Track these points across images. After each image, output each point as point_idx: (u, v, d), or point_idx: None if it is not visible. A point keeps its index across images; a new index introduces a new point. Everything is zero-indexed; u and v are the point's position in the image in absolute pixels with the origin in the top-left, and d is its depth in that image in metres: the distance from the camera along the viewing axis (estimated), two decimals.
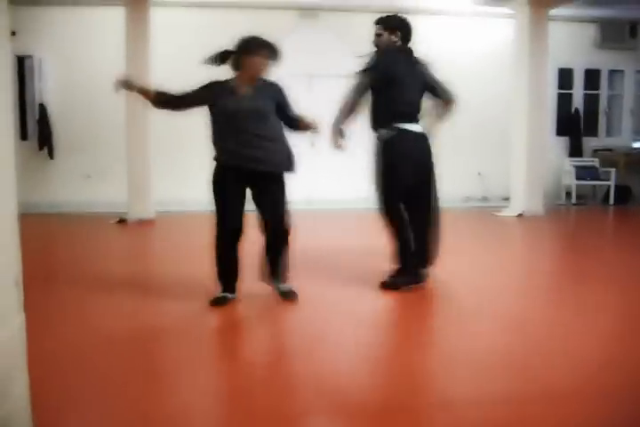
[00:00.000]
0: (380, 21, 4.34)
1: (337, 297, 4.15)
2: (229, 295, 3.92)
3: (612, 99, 11.10)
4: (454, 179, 10.11)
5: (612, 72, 10.96)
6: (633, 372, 2.77)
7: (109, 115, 9.06)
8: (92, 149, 9.41)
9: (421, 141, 4.26)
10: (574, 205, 10.08)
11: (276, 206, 3.87)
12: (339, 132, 4.14)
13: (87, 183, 9.32)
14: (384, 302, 4.15)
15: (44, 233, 7.00)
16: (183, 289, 4.29)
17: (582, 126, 10.81)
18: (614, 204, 10.14)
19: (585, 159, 10.57)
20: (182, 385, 2.62)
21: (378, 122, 4.23)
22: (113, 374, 2.76)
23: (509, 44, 9.26)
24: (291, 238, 3.96)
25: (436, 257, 4.29)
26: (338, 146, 4.15)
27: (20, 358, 1.93)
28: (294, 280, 4.08)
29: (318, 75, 9.52)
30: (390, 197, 4.20)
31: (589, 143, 10.85)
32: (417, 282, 4.23)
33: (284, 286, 4.03)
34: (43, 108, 9.32)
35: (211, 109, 3.95)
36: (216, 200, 3.87)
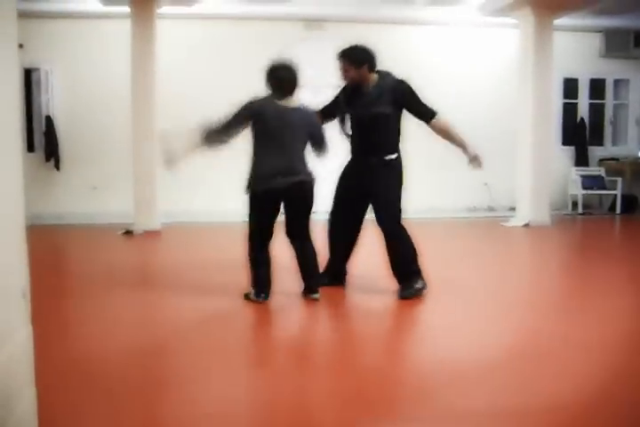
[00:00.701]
0: (342, 55, 4.32)
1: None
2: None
3: (617, 108, 11.09)
4: (460, 189, 10.13)
5: (618, 81, 10.95)
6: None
7: (115, 126, 9.11)
8: (99, 160, 9.44)
9: None
10: (581, 214, 10.04)
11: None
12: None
13: (93, 195, 9.35)
14: (384, 309, 4.14)
15: (50, 245, 7.01)
16: (195, 298, 4.28)
17: (588, 136, 10.79)
18: (621, 213, 10.10)
19: (591, 169, 10.54)
20: (198, 395, 2.60)
21: (396, 146, 4.36)
22: (123, 386, 2.74)
23: (514, 54, 9.27)
24: None
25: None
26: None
27: (27, 370, 1.92)
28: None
29: (324, 86, 9.53)
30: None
31: (595, 153, 10.83)
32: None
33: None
34: (49, 121, 9.36)
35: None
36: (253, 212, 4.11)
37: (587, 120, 10.84)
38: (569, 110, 10.85)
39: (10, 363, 1.74)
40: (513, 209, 9.29)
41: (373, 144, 4.33)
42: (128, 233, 7.83)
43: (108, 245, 7.15)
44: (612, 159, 10.69)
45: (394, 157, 4.32)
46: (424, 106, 4.30)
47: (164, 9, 8.30)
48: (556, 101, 10.38)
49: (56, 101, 9.49)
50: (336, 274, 4.64)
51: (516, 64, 9.20)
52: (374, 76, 4.28)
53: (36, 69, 9.37)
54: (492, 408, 2.50)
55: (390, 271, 4.41)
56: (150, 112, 8.19)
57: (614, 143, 11.10)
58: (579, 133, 10.75)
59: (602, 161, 10.71)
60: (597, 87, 10.90)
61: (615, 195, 10.23)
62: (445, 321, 3.85)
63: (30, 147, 9.51)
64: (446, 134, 4.32)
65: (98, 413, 2.45)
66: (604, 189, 10.26)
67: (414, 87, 4.29)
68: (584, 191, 10.14)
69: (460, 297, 4.40)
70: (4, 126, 1.81)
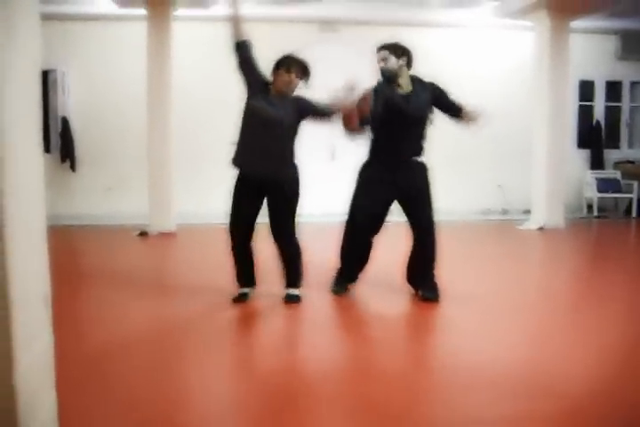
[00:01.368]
0: (384, 47, 4.30)
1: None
2: (247, 290, 4.28)
3: (633, 110, 11.01)
4: (474, 191, 10.11)
5: (634, 84, 10.88)
6: None
7: (131, 127, 9.16)
8: (114, 161, 9.50)
9: None
10: (596, 217, 9.98)
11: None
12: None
13: (109, 196, 9.41)
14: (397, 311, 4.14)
15: (65, 246, 7.06)
16: (208, 302, 4.30)
17: (604, 138, 10.74)
18: (637, 216, 10.03)
19: (606, 171, 10.48)
20: (212, 390, 2.62)
21: (424, 149, 4.40)
22: (141, 383, 2.76)
23: (530, 56, 9.24)
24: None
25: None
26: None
27: (48, 375, 1.94)
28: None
29: (337, 88, 9.53)
30: None
31: (611, 155, 10.77)
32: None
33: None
34: (65, 122, 9.43)
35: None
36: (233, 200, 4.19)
37: (602, 123, 10.78)
38: (585, 113, 10.79)
39: (32, 369, 1.76)
40: (527, 212, 9.25)
41: (414, 145, 4.34)
42: (143, 234, 7.87)
43: (123, 247, 7.19)
44: (628, 162, 10.62)
45: (423, 158, 4.40)
46: (454, 103, 4.42)
47: (180, 11, 8.33)
48: (572, 104, 10.33)
49: (72, 103, 9.55)
50: (350, 281, 4.61)
51: (530, 66, 9.16)
52: (408, 77, 4.31)
53: (53, 71, 9.43)
54: (506, 415, 2.50)
55: (407, 273, 4.49)
56: (166, 114, 8.23)
57: (630, 146, 11.02)
58: (594, 136, 10.69)
59: (617, 164, 10.64)
60: (613, 89, 10.83)
61: (631, 198, 10.16)
62: (460, 327, 3.85)
63: (46, 148, 9.56)
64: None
65: (110, 413, 2.47)
66: (620, 192, 10.20)
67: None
68: (599, 194, 10.08)
69: (474, 303, 4.38)
70: (26, 129, 1.83)
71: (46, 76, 9.48)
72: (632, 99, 10.94)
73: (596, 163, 10.61)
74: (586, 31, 9.91)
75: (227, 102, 9.67)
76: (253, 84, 4.14)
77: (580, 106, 10.74)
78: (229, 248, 4.23)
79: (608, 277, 5.45)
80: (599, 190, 10.09)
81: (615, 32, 10.38)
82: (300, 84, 4.16)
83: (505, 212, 10.23)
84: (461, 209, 9.89)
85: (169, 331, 3.72)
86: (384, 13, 9.53)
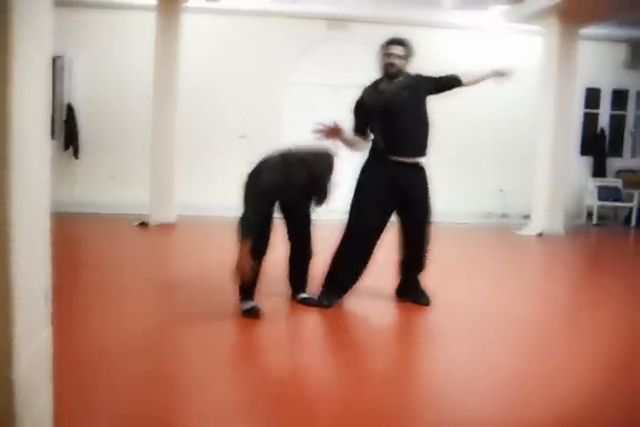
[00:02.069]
0: (402, 43, 4.23)
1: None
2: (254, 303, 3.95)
3: (638, 120, 11.01)
4: (475, 195, 10.13)
5: None
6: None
7: (136, 116, 9.18)
8: (117, 150, 9.51)
9: None
10: (595, 225, 10.00)
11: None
12: None
13: (111, 184, 9.42)
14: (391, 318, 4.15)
15: (66, 234, 7.06)
16: (205, 297, 4.31)
17: (607, 146, 10.75)
18: (636, 225, 10.05)
19: (608, 180, 10.49)
20: (210, 395, 2.63)
21: (427, 149, 4.29)
22: (138, 382, 2.78)
23: (537, 61, 9.23)
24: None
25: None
26: None
27: (46, 370, 1.95)
28: None
29: (345, 85, 9.55)
30: None
31: (614, 164, 10.78)
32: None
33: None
34: (70, 109, 9.43)
35: None
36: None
37: (607, 131, 10.79)
38: (589, 120, 10.80)
39: (31, 364, 1.77)
40: (527, 217, 9.26)
41: (414, 143, 4.20)
42: (143, 225, 7.88)
43: (121, 237, 7.20)
44: (630, 171, 10.63)
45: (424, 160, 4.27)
46: (445, 77, 4.35)
47: (191, 2, 8.32)
48: (577, 111, 10.33)
49: (77, 90, 9.56)
50: (341, 293, 4.35)
51: (537, 71, 9.16)
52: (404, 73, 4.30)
53: (60, 57, 9.43)
54: (497, 421, 2.52)
55: (399, 284, 4.48)
56: (171, 104, 8.22)
57: (633, 155, 11.04)
58: (598, 144, 10.71)
59: (620, 172, 10.66)
60: (620, 98, 10.84)
61: (631, 207, 10.17)
62: (449, 334, 3.86)
63: (50, 134, 9.59)
64: (475, 81, 4.50)
65: (108, 409, 2.49)
66: (621, 200, 10.21)
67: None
68: (600, 202, 10.10)
69: (465, 310, 4.39)
70: (35, 118, 1.83)
71: (53, 63, 9.48)
72: (638, 107, 10.94)
73: (599, 171, 10.63)
74: (595, 39, 9.92)
75: (232, 95, 9.73)
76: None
77: (585, 113, 10.75)
78: (244, 259, 3.61)
79: (603, 287, 5.46)
80: (600, 198, 10.10)
81: (624, 40, 10.39)
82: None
83: (505, 216, 10.25)
84: (462, 212, 9.90)
85: (165, 331, 3.74)
86: (393, 13, 9.52)
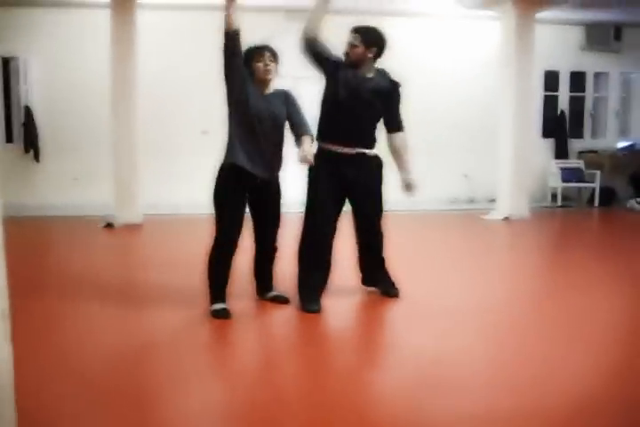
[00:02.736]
0: (358, 31, 4.10)
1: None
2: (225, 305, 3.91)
3: (597, 101, 11.19)
4: (440, 180, 10.18)
5: (598, 74, 11.05)
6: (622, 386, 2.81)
7: (96, 116, 9.04)
8: (79, 151, 9.38)
9: None
10: (560, 207, 10.15)
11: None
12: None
13: (74, 186, 9.29)
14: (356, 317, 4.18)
15: (29, 238, 6.95)
16: (174, 298, 4.28)
17: (568, 128, 10.89)
18: (599, 206, 10.22)
19: (570, 161, 10.65)
20: (180, 401, 2.62)
21: (375, 141, 4.20)
22: (106, 392, 2.76)
23: (495, 46, 9.30)
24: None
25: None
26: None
27: (7, 388, 1.93)
28: None
29: (304, 77, 9.49)
30: None
31: (575, 145, 10.94)
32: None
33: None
34: (28, 111, 9.27)
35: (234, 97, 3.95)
36: (219, 208, 3.85)
37: (567, 113, 10.93)
38: (549, 103, 10.94)
39: None
40: (493, 201, 9.36)
41: (363, 135, 4.10)
42: (109, 226, 7.79)
43: (87, 239, 7.11)
44: (591, 152, 10.80)
45: (376, 151, 4.19)
46: (400, 116, 4.22)
47: None
48: (537, 94, 10.45)
49: (35, 91, 9.39)
50: (319, 291, 4.17)
51: (496, 56, 9.23)
52: (373, 67, 4.12)
53: (14, 58, 9.26)
54: (481, 413, 2.55)
55: (362, 274, 4.49)
56: (131, 103, 8.13)
57: (594, 136, 11.21)
58: (559, 126, 10.85)
59: (581, 153, 10.82)
60: (578, 80, 10.98)
61: (594, 188, 10.34)
62: (416, 326, 3.89)
63: (9, 138, 9.43)
64: (399, 152, 4.22)
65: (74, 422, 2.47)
66: (583, 181, 10.38)
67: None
68: (563, 184, 10.25)
69: (435, 298, 4.42)
70: None
71: (7, 65, 9.30)
72: (596, 89, 11.11)
73: (561, 153, 10.78)
74: (551, 22, 10.00)
75: (191, 90, 9.62)
76: (241, 76, 3.96)
77: (545, 96, 10.88)
78: (214, 258, 3.84)
79: (571, 270, 5.53)
80: (563, 180, 10.25)
81: (580, 23, 10.51)
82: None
83: (471, 200, 10.34)
84: (428, 198, 9.95)
85: (132, 335, 3.71)
86: (348, 2, 9.46)
